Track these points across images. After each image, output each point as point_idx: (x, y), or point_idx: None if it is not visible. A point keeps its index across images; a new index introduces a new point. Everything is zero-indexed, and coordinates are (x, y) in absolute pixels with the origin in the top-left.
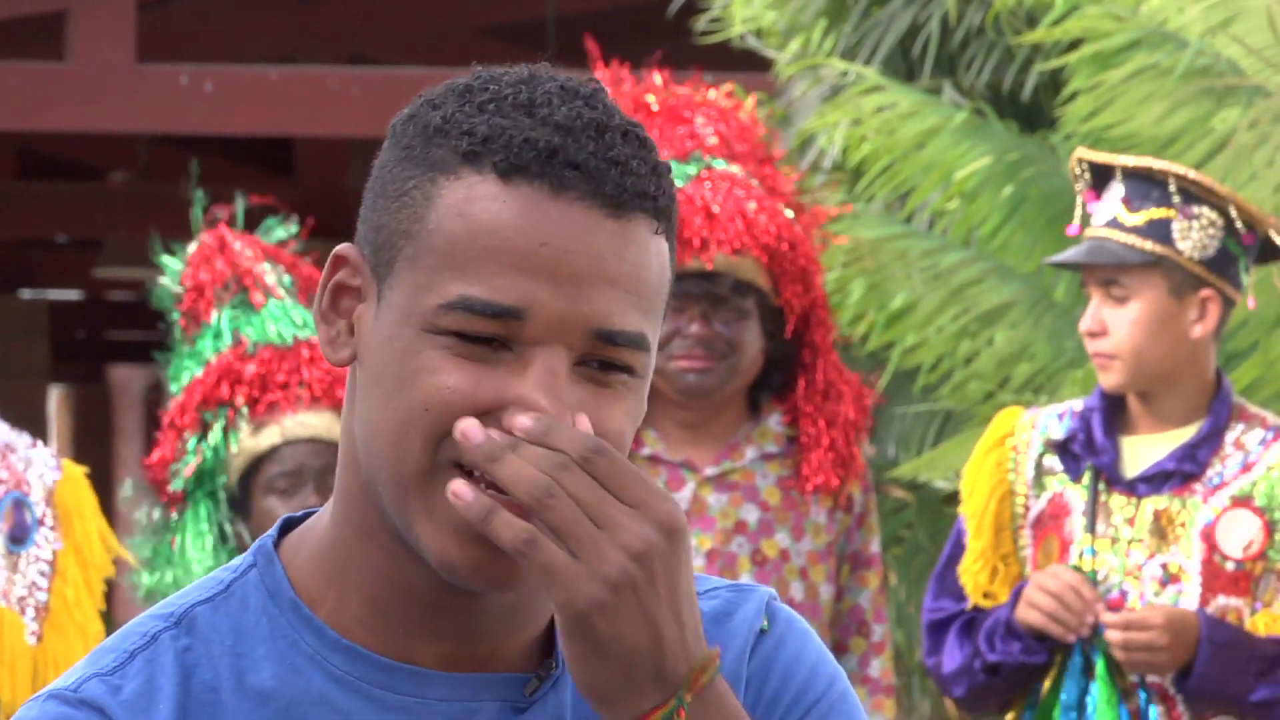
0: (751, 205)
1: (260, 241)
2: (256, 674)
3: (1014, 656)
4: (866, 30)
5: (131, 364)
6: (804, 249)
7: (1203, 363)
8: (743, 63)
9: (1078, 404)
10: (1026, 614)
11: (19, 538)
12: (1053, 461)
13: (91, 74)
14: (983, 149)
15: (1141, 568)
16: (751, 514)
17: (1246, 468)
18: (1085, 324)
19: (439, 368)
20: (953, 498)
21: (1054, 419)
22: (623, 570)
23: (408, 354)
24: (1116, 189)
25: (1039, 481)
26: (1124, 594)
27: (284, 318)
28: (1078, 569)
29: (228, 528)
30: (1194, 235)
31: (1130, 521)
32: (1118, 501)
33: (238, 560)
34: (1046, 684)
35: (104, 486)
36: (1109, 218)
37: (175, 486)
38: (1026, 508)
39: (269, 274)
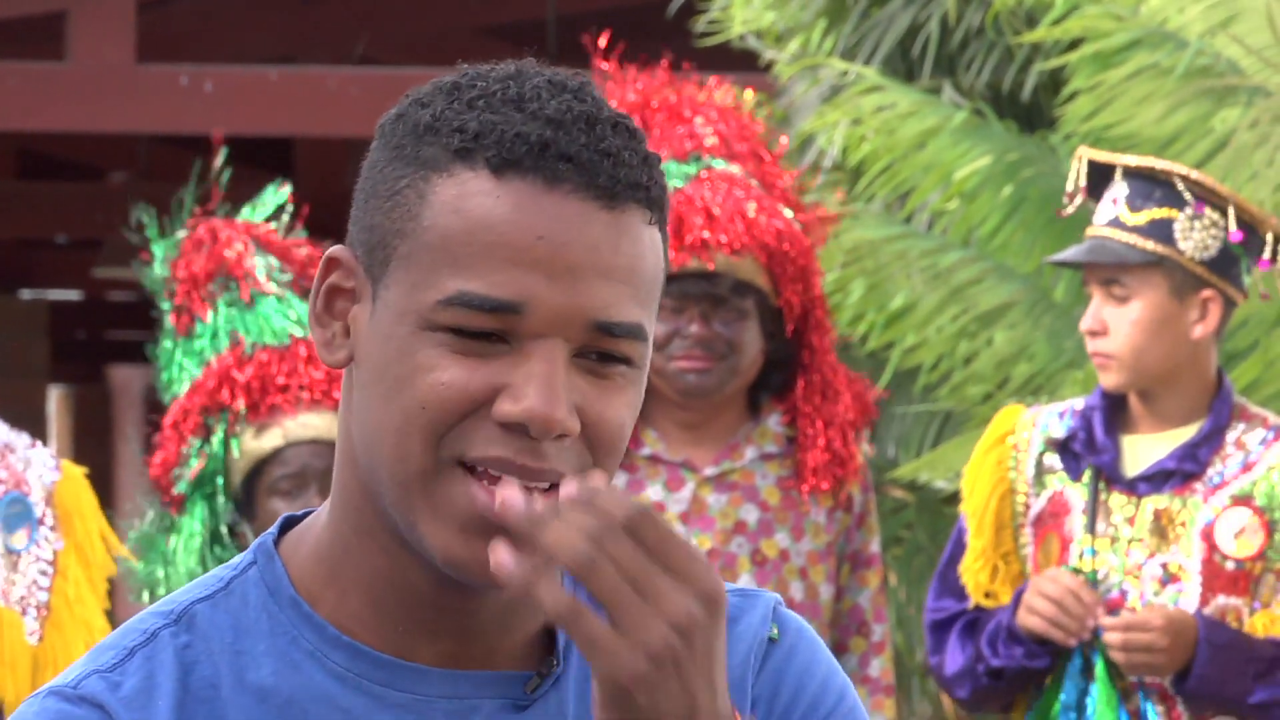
0: (751, 205)
1: (252, 227)
2: (256, 671)
3: (1017, 661)
4: (866, 30)
5: (131, 364)
6: (803, 249)
7: (1203, 362)
8: (742, 63)
9: (1079, 402)
10: (1027, 619)
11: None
12: (1053, 460)
13: (91, 74)
14: (982, 149)
15: (1141, 567)
16: (751, 514)
17: (1247, 467)
18: (1086, 323)
19: (436, 364)
20: (952, 498)
21: (1055, 417)
22: (665, 642)
23: (405, 352)
24: (1119, 188)
25: (1039, 480)
26: (1124, 593)
27: (280, 314)
28: (1078, 570)
29: (223, 529)
30: (1196, 235)
31: (1130, 521)
32: (1118, 500)
33: (238, 558)
34: (1046, 684)
35: (104, 486)
36: (1111, 217)
37: (178, 489)
38: (1027, 506)
39: (260, 269)
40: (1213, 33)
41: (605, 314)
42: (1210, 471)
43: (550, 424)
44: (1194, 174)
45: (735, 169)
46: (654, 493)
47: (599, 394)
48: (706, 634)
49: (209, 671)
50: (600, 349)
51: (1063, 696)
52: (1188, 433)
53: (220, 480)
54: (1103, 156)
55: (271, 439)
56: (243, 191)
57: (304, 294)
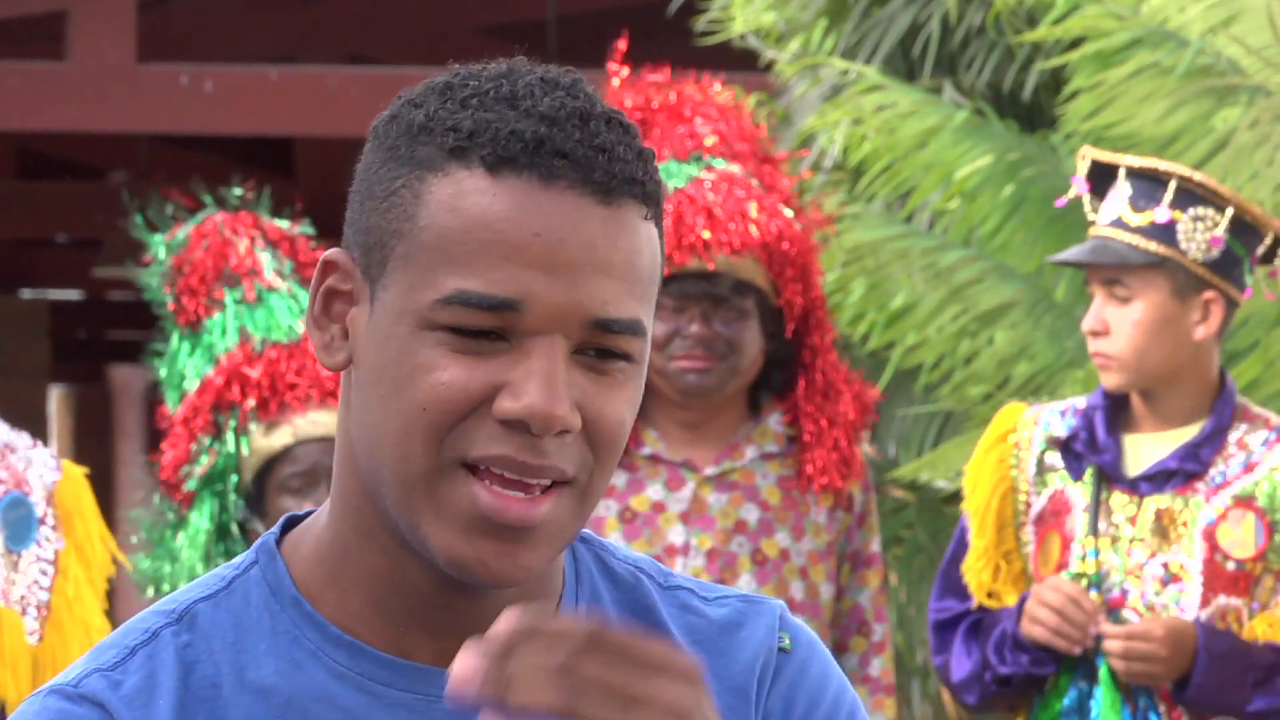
0: (752, 205)
1: (259, 221)
2: (258, 670)
3: (1023, 668)
4: (867, 30)
5: (132, 364)
6: (804, 249)
7: (1205, 363)
8: (743, 63)
9: (1080, 401)
10: (1030, 629)
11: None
12: (1054, 458)
13: (91, 74)
14: (983, 148)
15: (1143, 567)
16: (752, 513)
17: (1249, 468)
18: (1088, 323)
19: (435, 364)
20: (953, 498)
21: (1056, 415)
22: None
23: (404, 353)
24: (1122, 189)
25: (1040, 478)
26: (1124, 593)
27: (288, 309)
28: (1081, 575)
29: (233, 526)
30: (1198, 237)
31: (1132, 520)
32: (1119, 500)
33: (240, 557)
34: (1048, 685)
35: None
36: (1114, 217)
37: (188, 487)
38: (1028, 504)
39: (267, 263)
40: (1213, 32)
41: (603, 310)
42: (1212, 472)
43: (551, 420)
44: (1196, 175)
45: (736, 169)
46: (654, 492)
47: (599, 390)
48: (701, 706)
49: (210, 670)
50: (599, 345)
51: (1065, 702)
52: (1189, 433)
53: (232, 478)
54: (1106, 157)
55: (281, 436)
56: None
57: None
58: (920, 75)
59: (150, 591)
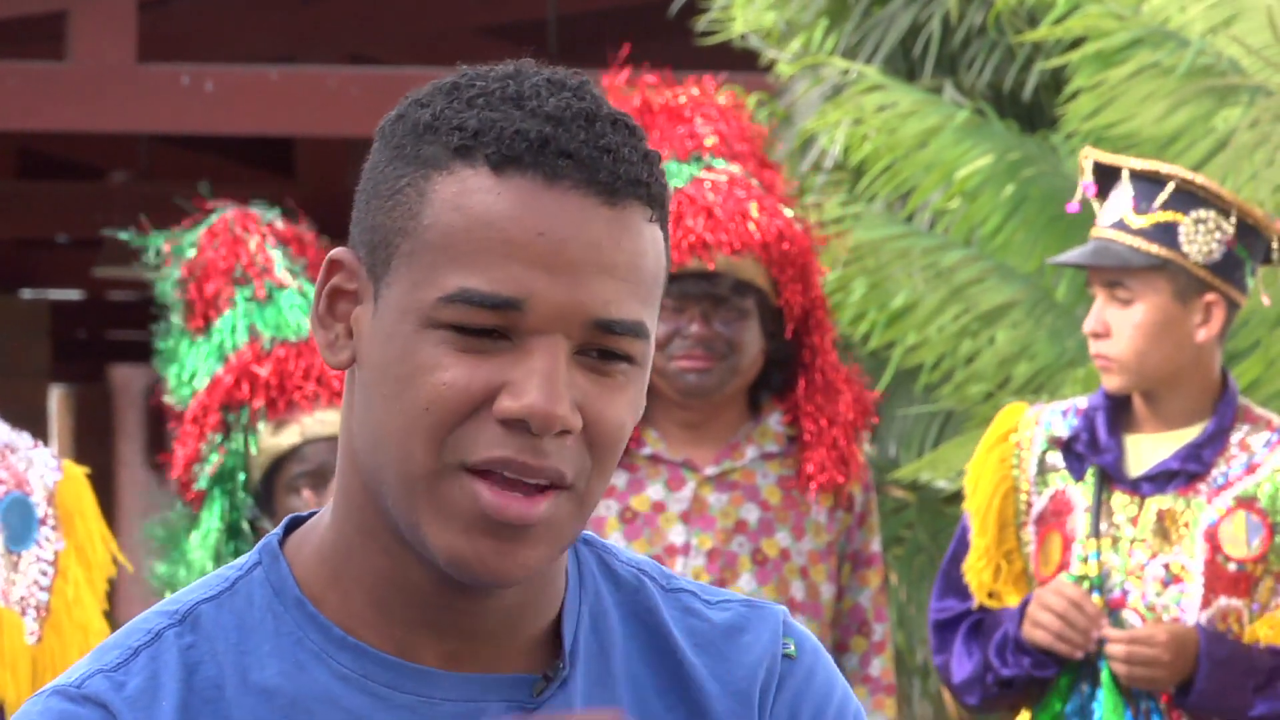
0: (752, 205)
1: (269, 221)
2: (261, 671)
3: (1025, 670)
4: (867, 30)
5: (132, 364)
6: (804, 248)
7: (1207, 365)
8: (744, 63)
9: (1082, 401)
10: (1032, 633)
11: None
12: (1056, 458)
13: (92, 74)
14: (984, 148)
15: (1144, 567)
16: (752, 513)
17: (1251, 469)
18: (1089, 325)
19: (438, 364)
20: (953, 498)
21: (1058, 415)
22: None
23: (407, 351)
24: (1124, 190)
25: (1042, 478)
26: (1125, 593)
27: (297, 307)
28: (1083, 577)
29: (244, 525)
30: (1200, 239)
31: (1133, 521)
32: (1120, 500)
33: (243, 558)
34: (1049, 686)
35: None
36: (1115, 219)
37: (198, 486)
38: (1029, 504)
39: (278, 261)
40: (1214, 32)
41: (605, 311)
42: (1214, 472)
43: (551, 420)
44: (1199, 178)
45: (736, 168)
46: (655, 492)
47: (600, 392)
48: None
49: (213, 672)
50: (601, 346)
51: (1068, 707)
52: (1191, 433)
53: (241, 476)
54: (1108, 159)
55: (289, 436)
56: (243, 191)
57: None
58: (921, 75)
59: (166, 595)
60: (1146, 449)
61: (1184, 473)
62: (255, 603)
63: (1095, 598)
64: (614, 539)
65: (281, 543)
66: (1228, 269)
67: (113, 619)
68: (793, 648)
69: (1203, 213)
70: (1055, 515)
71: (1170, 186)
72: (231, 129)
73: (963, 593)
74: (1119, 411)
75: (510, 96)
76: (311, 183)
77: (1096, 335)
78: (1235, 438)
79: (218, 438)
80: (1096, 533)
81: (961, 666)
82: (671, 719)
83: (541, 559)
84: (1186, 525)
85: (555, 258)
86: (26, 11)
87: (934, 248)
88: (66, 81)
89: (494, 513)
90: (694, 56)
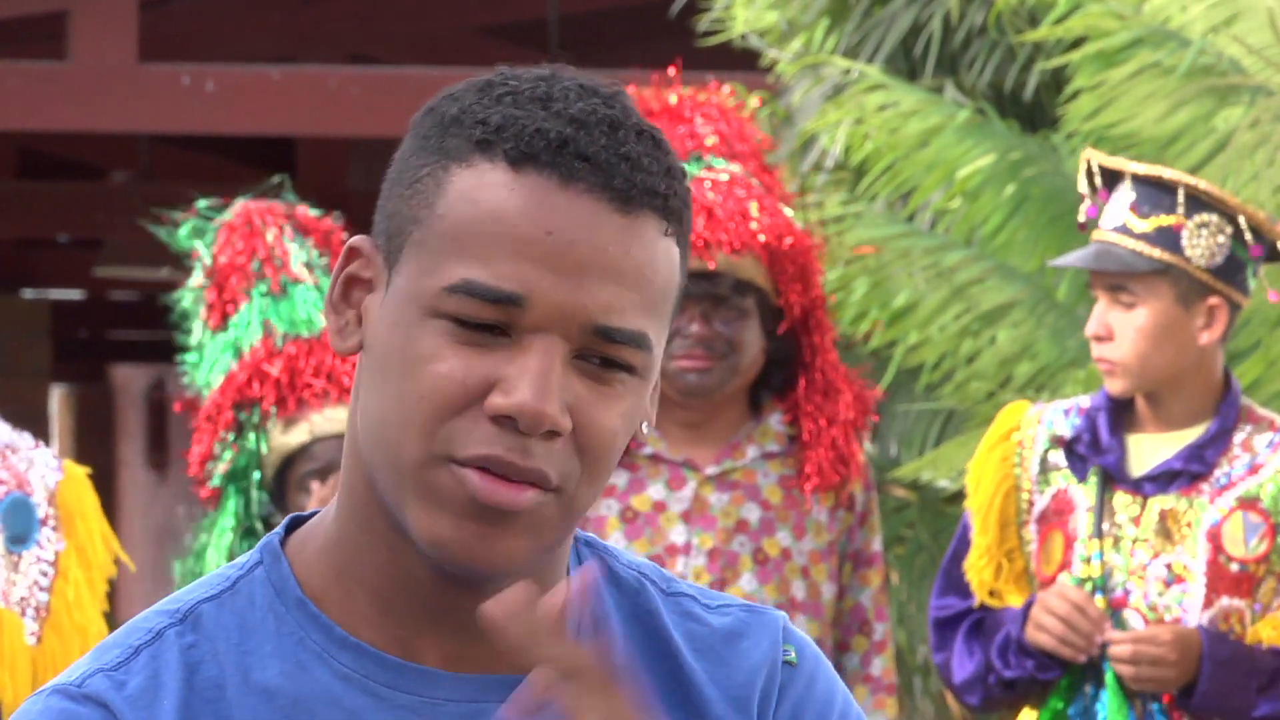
0: (752, 205)
1: (292, 210)
2: (262, 671)
3: (1028, 672)
4: (868, 29)
5: (133, 363)
6: (804, 248)
7: (1210, 367)
8: (744, 63)
9: (1084, 400)
10: (1035, 636)
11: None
12: (1058, 457)
13: (92, 74)
14: (985, 148)
15: (1146, 567)
16: (753, 513)
17: (1254, 469)
18: (1091, 328)
19: (436, 354)
20: (954, 497)
21: (1060, 414)
22: None
23: (409, 339)
24: (1126, 194)
25: (1044, 477)
26: (1127, 593)
27: (312, 303)
28: (1085, 579)
29: (257, 524)
30: (1203, 243)
31: (1135, 521)
32: (1122, 500)
33: (244, 557)
34: (1051, 686)
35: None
36: (1118, 223)
37: (213, 484)
38: (1031, 503)
39: (294, 255)
40: (1215, 32)
41: (606, 317)
42: (1217, 473)
43: (540, 418)
44: (1202, 183)
45: (736, 168)
46: (655, 492)
47: (595, 398)
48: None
49: (214, 671)
50: (601, 353)
51: (1072, 709)
52: (1194, 434)
53: (255, 474)
54: (1110, 161)
55: (299, 434)
56: (244, 191)
57: None
58: (922, 75)
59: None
60: (1149, 449)
61: (1186, 473)
62: (256, 602)
63: (1098, 598)
64: (615, 538)
65: (283, 542)
66: (1230, 272)
67: (113, 619)
68: (793, 654)
69: (1205, 216)
70: (1057, 514)
71: (1181, 194)
72: (232, 129)
73: (963, 591)
74: (1121, 412)
75: (539, 97)
76: (312, 183)
77: (1099, 338)
78: (1238, 438)
79: (231, 435)
80: (1099, 533)
81: (963, 666)
82: None
83: (522, 550)
84: (1189, 525)
85: (561, 258)
86: (27, 11)
87: (935, 247)
88: (67, 81)
89: (482, 496)
90: (695, 56)
